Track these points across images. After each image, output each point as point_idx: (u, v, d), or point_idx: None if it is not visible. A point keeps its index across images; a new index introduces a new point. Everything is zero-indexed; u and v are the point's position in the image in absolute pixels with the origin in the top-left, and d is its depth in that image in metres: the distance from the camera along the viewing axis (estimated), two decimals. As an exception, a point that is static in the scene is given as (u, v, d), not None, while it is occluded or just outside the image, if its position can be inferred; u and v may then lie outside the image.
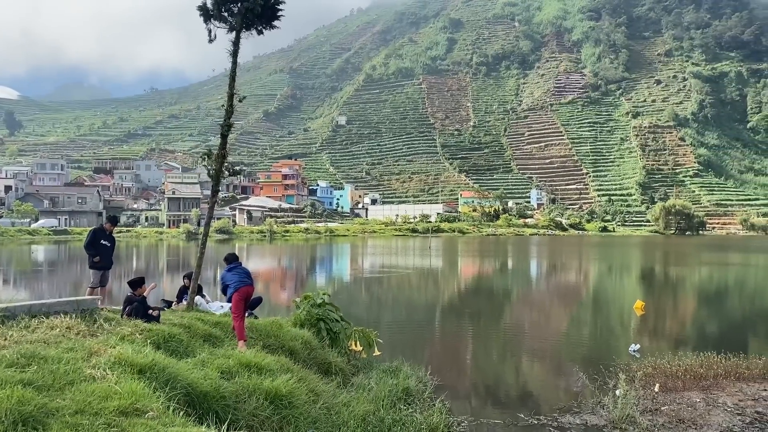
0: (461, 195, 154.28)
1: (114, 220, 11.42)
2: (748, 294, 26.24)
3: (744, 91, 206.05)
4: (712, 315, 19.76)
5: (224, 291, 9.49)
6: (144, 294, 8.94)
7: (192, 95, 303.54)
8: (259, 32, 10.99)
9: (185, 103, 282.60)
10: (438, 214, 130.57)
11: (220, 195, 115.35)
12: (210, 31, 10.84)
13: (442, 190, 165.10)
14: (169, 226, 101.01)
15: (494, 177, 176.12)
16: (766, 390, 9.68)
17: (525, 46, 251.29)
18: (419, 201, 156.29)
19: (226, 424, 5.59)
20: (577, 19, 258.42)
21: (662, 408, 8.70)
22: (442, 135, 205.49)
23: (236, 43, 10.74)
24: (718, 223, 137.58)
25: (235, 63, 10.85)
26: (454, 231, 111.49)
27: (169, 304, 10.90)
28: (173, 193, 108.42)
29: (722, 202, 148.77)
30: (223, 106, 10.95)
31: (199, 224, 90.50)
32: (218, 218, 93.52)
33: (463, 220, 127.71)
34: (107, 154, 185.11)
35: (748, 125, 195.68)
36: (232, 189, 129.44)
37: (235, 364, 7.27)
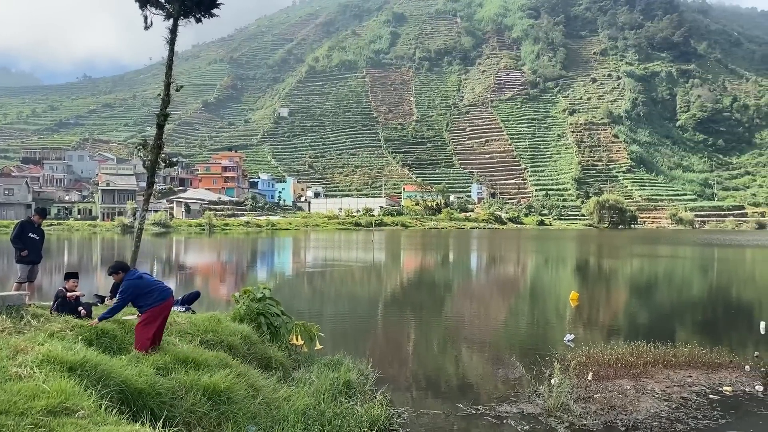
0: (404, 189, 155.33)
1: (43, 213, 10.93)
2: (675, 285, 27.47)
3: (674, 90, 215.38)
4: (643, 306, 20.59)
5: (139, 297, 7.63)
6: (70, 295, 8.55)
7: (128, 84, 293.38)
8: (198, 20, 10.73)
9: (120, 91, 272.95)
10: (381, 207, 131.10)
11: (157, 187, 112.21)
12: (146, 18, 10.52)
13: (385, 184, 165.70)
14: (104, 219, 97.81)
15: (436, 171, 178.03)
16: (691, 377, 10.16)
17: (466, 42, 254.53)
18: (362, 195, 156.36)
19: (161, 421, 5.46)
20: (517, 16, 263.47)
21: (595, 395, 9.01)
22: (385, 129, 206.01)
23: (173, 31, 10.45)
24: (648, 218, 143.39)
25: (172, 51, 10.56)
26: (397, 224, 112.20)
27: (102, 299, 10.53)
28: (107, 184, 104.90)
29: (653, 197, 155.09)
30: (159, 95, 10.67)
31: (134, 217, 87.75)
32: (155, 211, 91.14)
33: (406, 214, 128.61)
34: (36, 143, 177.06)
35: (677, 124, 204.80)
36: (170, 181, 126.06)
37: (172, 360, 7.10)
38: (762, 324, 14.68)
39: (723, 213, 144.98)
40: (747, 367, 10.71)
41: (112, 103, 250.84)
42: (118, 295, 7.77)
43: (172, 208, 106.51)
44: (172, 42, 10.46)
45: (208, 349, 8.15)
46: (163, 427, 5.39)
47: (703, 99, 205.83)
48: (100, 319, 7.63)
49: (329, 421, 7.02)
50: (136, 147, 11.42)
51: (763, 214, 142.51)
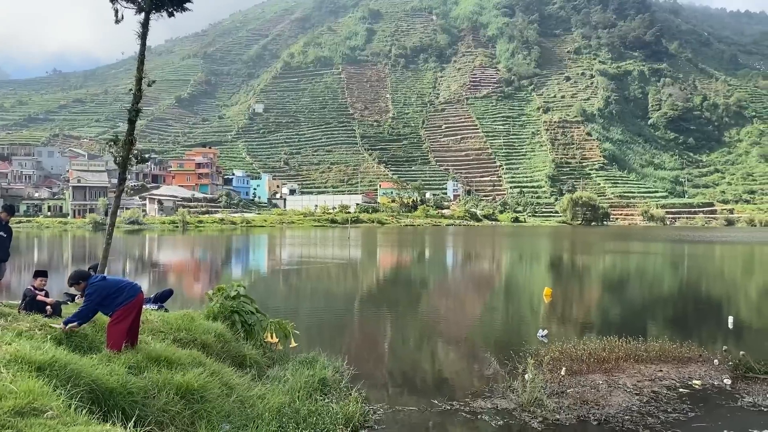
0: (380, 186, 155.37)
1: (11, 209, 10.66)
2: (647, 281, 27.91)
3: (646, 89, 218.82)
4: (615, 301, 20.89)
5: (107, 300, 7.37)
6: (40, 298, 8.37)
7: (99, 79, 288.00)
8: (170, 14, 10.59)
9: (92, 86, 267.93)
10: (357, 204, 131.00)
11: (130, 184, 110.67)
12: (117, 12, 10.33)
13: (361, 181, 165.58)
14: (74, 216, 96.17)
15: (412, 168, 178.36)
16: (661, 371, 10.34)
17: (442, 40, 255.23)
18: (338, 191, 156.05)
19: (132, 421, 5.38)
20: (492, 15, 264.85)
21: (568, 390, 9.11)
22: (361, 126, 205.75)
23: (145, 25, 10.29)
24: (621, 214, 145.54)
25: (143, 46, 10.40)
26: (373, 221, 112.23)
27: (72, 297, 10.34)
28: (78, 181, 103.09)
29: (625, 194, 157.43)
30: (131, 90, 10.50)
31: (106, 214, 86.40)
32: (127, 208, 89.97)
33: (382, 211, 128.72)
34: (4, 139, 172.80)
35: (649, 122, 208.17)
36: (143, 177, 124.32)
37: (144, 359, 7.01)
38: (730, 319, 15.00)
39: (693, 210, 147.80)
40: (716, 361, 10.93)
41: (84, 98, 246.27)
42: (84, 299, 7.46)
43: (144, 205, 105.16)
44: (143, 36, 10.30)
45: (182, 348, 8.07)
46: (135, 427, 5.32)
47: (674, 98, 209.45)
48: (66, 323, 7.28)
49: (304, 419, 6.99)
50: (107, 143, 11.23)
51: (731, 211, 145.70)
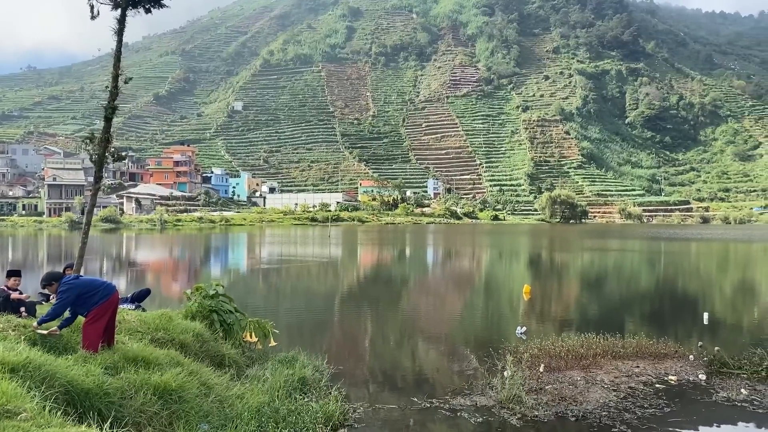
0: (361, 184, 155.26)
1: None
2: (624, 278, 28.26)
3: (623, 88, 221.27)
4: (593, 298, 21.11)
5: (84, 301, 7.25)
6: (14, 297, 8.23)
7: (75, 75, 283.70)
8: (147, 10, 10.45)
9: (68, 83, 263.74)
10: (338, 203, 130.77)
11: (107, 182, 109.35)
12: (92, 7, 10.18)
13: (341, 179, 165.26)
14: (50, 215, 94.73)
15: (393, 167, 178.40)
16: (638, 367, 10.47)
17: (422, 38, 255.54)
18: (319, 190, 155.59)
19: (108, 422, 5.32)
20: (472, 13, 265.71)
21: (546, 387, 9.19)
22: (341, 124, 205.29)
23: (121, 21, 10.15)
24: (598, 212, 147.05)
25: (120, 42, 10.26)
26: (353, 220, 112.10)
27: (47, 297, 10.18)
28: (54, 179, 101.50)
29: (603, 192, 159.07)
30: (107, 87, 10.35)
31: (82, 213, 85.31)
32: (104, 206, 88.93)
33: (363, 209, 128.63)
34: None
35: (627, 121, 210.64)
36: (120, 176, 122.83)
37: (121, 359, 6.93)
38: (705, 315, 15.23)
39: (670, 208, 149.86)
40: (691, 356, 11.10)
41: (59, 95, 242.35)
42: (57, 297, 7.32)
43: (122, 203, 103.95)
44: (120, 32, 10.16)
45: (159, 348, 7.99)
46: (111, 428, 5.26)
47: (651, 97, 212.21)
48: (40, 323, 7.17)
49: (284, 418, 6.96)
50: (83, 140, 11.06)
51: (707, 209, 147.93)
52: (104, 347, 7.15)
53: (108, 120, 10.29)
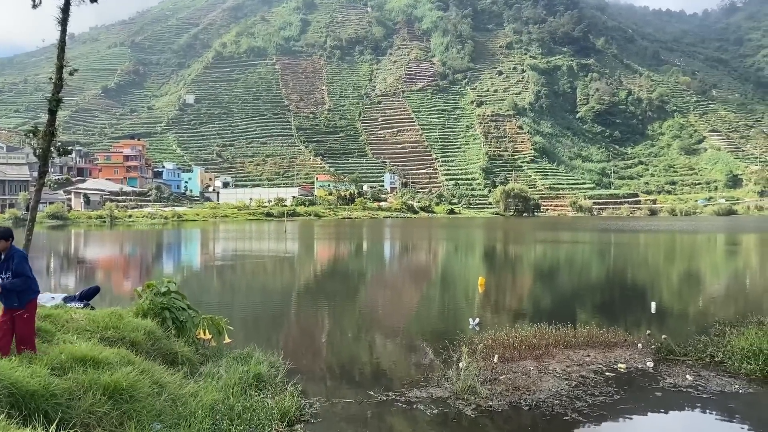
0: (317, 178, 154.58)
1: None
2: (576, 269, 28.90)
3: (574, 84, 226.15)
4: (546, 289, 21.53)
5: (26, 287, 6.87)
6: None
7: (18, 67, 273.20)
8: (93, 0, 10.12)
9: (10, 75, 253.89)
10: (293, 197, 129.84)
11: (53, 177, 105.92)
12: (34, -5, 9.81)
13: (297, 174, 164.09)
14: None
15: (349, 161, 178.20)
16: (589, 356, 10.73)
17: (378, 32, 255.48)
18: (274, 184, 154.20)
19: (54, 424, 5.15)
20: (427, 8, 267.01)
21: (501, 377, 9.33)
22: (297, 117, 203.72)
23: (65, 11, 9.81)
24: (551, 205, 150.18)
25: (64, 32, 9.91)
26: (310, 215, 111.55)
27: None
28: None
29: (554, 185, 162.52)
30: (51, 79, 10.00)
31: (27, 209, 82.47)
32: (51, 202, 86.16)
33: (319, 204, 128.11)
34: None
35: (578, 116, 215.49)
36: (67, 171, 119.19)
37: (68, 359, 6.72)
38: (653, 304, 15.71)
39: (619, 200, 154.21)
40: (639, 345, 11.42)
41: (1, 87, 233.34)
42: (17, 266, 6.68)
43: (70, 199, 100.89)
44: (64, 22, 9.81)
45: (109, 347, 7.78)
46: (58, 430, 5.11)
47: (601, 92, 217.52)
48: (3, 287, 6.58)
49: (238, 415, 6.89)
50: (26, 134, 10.68)
51: (654, 202, 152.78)
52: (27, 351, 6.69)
53: (52, 113, 9.94)
